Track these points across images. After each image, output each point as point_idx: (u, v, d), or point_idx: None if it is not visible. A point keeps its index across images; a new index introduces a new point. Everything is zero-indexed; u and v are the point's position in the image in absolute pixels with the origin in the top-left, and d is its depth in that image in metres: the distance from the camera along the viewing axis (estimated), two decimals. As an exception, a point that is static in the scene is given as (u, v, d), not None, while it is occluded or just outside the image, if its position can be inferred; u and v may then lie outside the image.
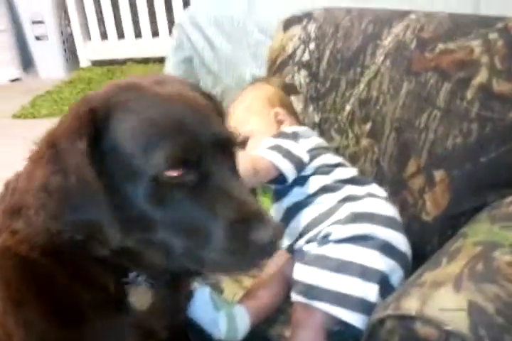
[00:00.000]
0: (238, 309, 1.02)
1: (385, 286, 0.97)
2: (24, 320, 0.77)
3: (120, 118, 0.66)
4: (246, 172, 1.05)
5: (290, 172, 1.11)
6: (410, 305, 0.77)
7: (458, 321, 0.72)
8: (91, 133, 0.65)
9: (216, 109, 0.76)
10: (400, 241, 1.04)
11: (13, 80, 3.80)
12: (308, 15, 1.38)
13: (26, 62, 3.90)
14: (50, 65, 3.79)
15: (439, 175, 1.11)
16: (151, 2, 3.69)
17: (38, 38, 3.84)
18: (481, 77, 1.07)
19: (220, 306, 1.01)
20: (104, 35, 3.89)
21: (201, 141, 0.67)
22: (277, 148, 1.13)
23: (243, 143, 1.24)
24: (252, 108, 1.28)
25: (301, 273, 1.03)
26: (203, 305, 1.00)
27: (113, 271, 0.75)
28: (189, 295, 0.98)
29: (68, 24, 3.92)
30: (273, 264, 1.14)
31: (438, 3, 1.49)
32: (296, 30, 1.38)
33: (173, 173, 0.65)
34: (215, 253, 0.66)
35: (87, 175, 0.64)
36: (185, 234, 0.67)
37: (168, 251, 0.69)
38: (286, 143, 1.14)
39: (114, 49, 3.85)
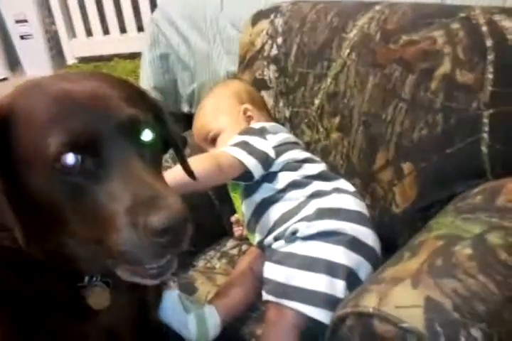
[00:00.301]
0: (208, 309, 1.03)
1: (353, 281, 0.97)
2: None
3: (19, 114, 0.65)
4: (211, 170, 1.06)
5: (256, 168, 1.10)
6: (368, 302, 0.77)
7: (414, 318, 0.72)
8: None
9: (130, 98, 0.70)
10: (368, 235, 1.04)
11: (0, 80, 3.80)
12: (276, 10, 1.37)
13: (12, 61, 3.89)
14: (37, 64, 3.76)
15: (407, 167, 1.10)
16: (135, -3, 3.66)
17: (22, 37, 3.81)
18: (445, 67, 1.06)
19: (189, 308, 1.01)
20: (88, 32, 3.86)
21: (97, 126, 0.64)
22: (242, 145, 1.13)
23: (212, 141, 1.25)
24: (220, 105, 1.28)
25: (271, 271, 1.03)
26: (171, 307, 1.00)
27: (65, 276, 0.74)
28: (158, 298, 0.98)
29: (52, 22, 3.89)
30: (244, 261, 1.15)
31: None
32: (264, 25, 1.37)
33: (69, 161, 0.62)
34: (119, 244, 0.62)
35: None
36: (90, 225, 0.64)
37: (82, 248, 0.69)
38: (252, 140, 1.14)
39: (100, 45, 3.82)
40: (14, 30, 3.79)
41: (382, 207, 1.15)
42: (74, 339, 0.79)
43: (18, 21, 3.76)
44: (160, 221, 0.60)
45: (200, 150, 1.33)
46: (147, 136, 0.68)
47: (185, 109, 1.95)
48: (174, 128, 0.82)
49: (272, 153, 1.13)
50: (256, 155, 1.11)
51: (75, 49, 3.88)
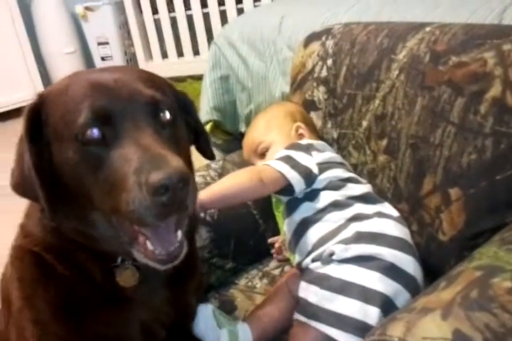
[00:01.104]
0: (241, 326, 1.03)
1: (390, 309, 0.94)
2: (35, 316, 0.85)
3: (54, 99, 0.75)
4: (252, 182, 1.07)
5: (298, 182, 1.10)
6: (395, 331, 0.74)
7: (440, 351, 0.69)
8: (28, 126, 0.75)
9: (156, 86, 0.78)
10: (408, 263, 1.01)
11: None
12: (327, 32, 1.37)
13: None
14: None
15: (454, 193, 1.06)
16: (208, 21, 3.79)
17: (103, 59, 4.06)
18: (495, 90, 1.02)
19: (223, 323, 1.02)
20: (164, 54, 4.03)
21: (118, 104, 0.71)
22: (285, 159, 1.13)
23: (262, 154, 1.26)
24: (273, 120, 1.30)
25: (304, 291, 1.02)
26: (205, 320, 1.01)
27: (100, 258, 0.81)
28: (194, 301, 1.00)
29: (131, 44, 4.10)
30: (282, 281, 1.14)
31: (463, 13, 1.43)
32: (316, 47, 1.38)
33: (92, 133, 0.70)
34: (128, 203, 0.67)
35: (27, 158, 0.74)
36: (108, 192, 0.70)
37: (105, 223, 0.75)
38: (296, 154, 1.15)
39: (175, 67, 3.98)
40: (96, 52, 4.04)
41: (429, 234, 1.10)
42: (112, 325, 0.85)
43: (100, 43, 4.00)
44: (158, 178, 0.64)
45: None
46: (165, 115, 0.75)
47: (243, 129, 1.99)
48: (198, 117, 0.91)
49: (315, 169, 1.13)
50: (299, 169, 1.11)
51: (151, 70, 4.04)
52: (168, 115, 0.76)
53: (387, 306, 0.95)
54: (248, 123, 1.96)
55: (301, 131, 1.26)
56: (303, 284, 1.03)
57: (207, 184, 1.29)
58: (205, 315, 1.01)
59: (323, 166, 1.15)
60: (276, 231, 1.29)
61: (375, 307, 0.94)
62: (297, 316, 1.00)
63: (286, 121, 1.27)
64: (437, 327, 0.72)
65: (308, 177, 1.12)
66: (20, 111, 0.77)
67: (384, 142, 1.20)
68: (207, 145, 0.95)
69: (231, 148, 2.02)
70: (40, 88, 3.80)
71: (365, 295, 0.95)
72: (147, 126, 0.72)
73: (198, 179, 1.30)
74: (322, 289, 0.98)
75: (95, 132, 0.71)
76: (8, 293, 0.92)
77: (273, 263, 1.29)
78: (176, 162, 0.66)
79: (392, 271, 0.98)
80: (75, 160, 0.72)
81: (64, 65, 3.84)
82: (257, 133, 1.28)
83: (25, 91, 3.71)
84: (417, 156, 1.13)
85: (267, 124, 1.29)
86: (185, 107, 0.87)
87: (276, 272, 1.26)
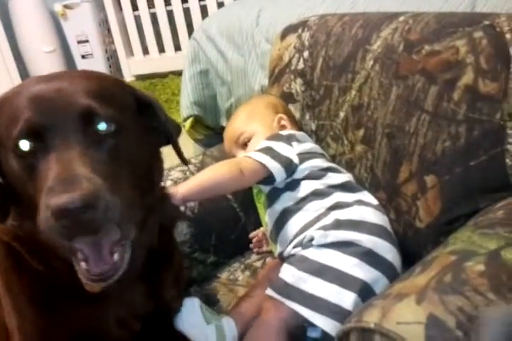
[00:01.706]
0: (226, 321, 1.03)
1: (368, 296, 0.95)
2: (14, 304, 0.87)
3: (2, 108, 0.75)
4: (233, 174, 1.08)
5: (278, 172, 1.11)
6: (371, 317, 0.75)
7: (414, 335, 0.70)
8: None
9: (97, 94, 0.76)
10: (387, 250, 1.02)
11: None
12: (303, 24, 1.37)
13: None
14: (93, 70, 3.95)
15: (430, 180, 1.07)
16: (189, 16, 3.77)
17: (83, 57, 4.02)
18: (467, 77, 1.03)
19: (210, 319, 1.02)
20: (145, 51, 4.01)
21: (50, 117, 0.71)
22: (266, 150, 1.14)
23: (243, 145, 1.26)
24: (255, 111, 1.31)
25: (283, 271, 1.03)
26: (192, 317, 1.01)
27: (64, 259, 0.79)
28: (174, 293, 1.00)
29: (112, 42, 4.07)
30: (263, 273, 1.15)
31: (436, 2, 1.44)
32: (292, 39, 1.38)
33: (23, 146, 0.71)
34: (40, 223, 0.67)
35: None
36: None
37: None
38: (277, 145, 1.16)
39: (156, 63, 3.96)
40: (76, 50, 4.00)
41: (406, 222, 1.12)
42: (86, 319, 0.86)
43: (79, 42, 3.97)
44: (57, 202, 0.63)
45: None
46: (103, 127, 0.72)
47: (224, 123, 1.99)
48: (166, 119, 0.87)
49: (295, 159, 1.14)
50: (279, 159, 1.12)
51: (132, 67, 4.04)
52: (105, 126, 0.73)
53: (365, 292, 0.96)
54: (229, 117, 1.95)
55: (283, 122, 1.27)
56: (284, 266, 1.04)
57: (186, 179, 1.30)
58: (192, 310, 1.01)
59: (304, 156, 1.15)
60: (257, 224, 1.29)
61: (351, 292, 0.95)
62: (271, 293, 1.01)
63: (268, 112, 1.28)
64: (412, 312, 0.73)
65: (289, 167, 1.12)
66: None
67: (361, 132, 1.21)
68: (176, 152, 0.92)
69: (212, 143, 2.01)
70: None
71: (341, 279, 0.96)
72: (76, 141, 0.71)
73: (177, 174, 1.30)
74: (299, 270, 1.00)
75: (25, 145, 0.71)
76: None
77: (255, 256, 1.30)
78: (85, 185, 0.65)
79: (370, 257, 0.99)
80: (14, 168, 0.74)
81: (44, 63, 3.80)
82: (238, 124, 1.29)
83: (3, 89, 3.68)
84: (393, 145, 1.14)
85: (249, 115, 1.29)
86: (150, 111, 0.85)
87: (258, 264, 1.26)
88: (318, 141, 1.31)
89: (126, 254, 0.77)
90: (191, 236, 1.23)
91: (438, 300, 0.74)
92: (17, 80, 3.72)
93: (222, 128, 2.01)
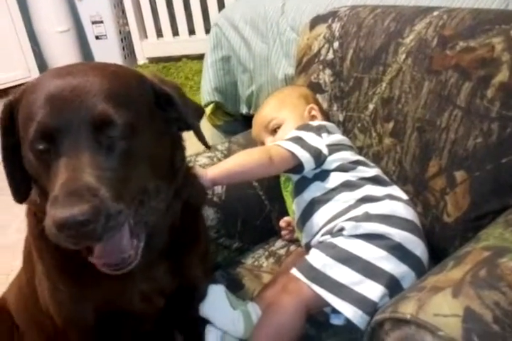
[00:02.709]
0: (252, 306, 1.05)
1: (396, 289, 0.97)
2: (46, 271, 0.92)
3: (22, 105, 0.77)
4: (262, 161, 1.10)
5: (307, 160, 1.13)
6: (407, 308, 0.77)
7: (451, 327, 0.72)
8: (4, 122, 0.79)
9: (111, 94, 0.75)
10: (416, 245, 1.04)
11: (75, 78, 3.99)
12: (334, 14, 1.38)
13: (87, 60, 4.08)
14: (109, 61, 3.93)
15: (460, 176, 1.08)
16: (204, 1, 3.75)
17: (97, 37, 4.00)
18: (502, 75, 1.03)
19: (236, 304, 1.04)
20: (159, 33, 3.99)
21: (64, 120, 0.71)
22: (295, 139, 1.15)
23: (272, 131, 1.27)
24: (288, 99, 1.32)
25: (311, 255, 1.05)
26: (218, 303, 1.03)
27: None
28: (200, 273, 1.02)
29: (126, 23, 4.05)
30: (289, 261, 1.17)
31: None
32: (322, 29, 1.38)
33: (38, 146, 0.72)
34: (46, 227, 0.69)
35: (2, 147, 0.80)
36: None
37: None
38: (306, 135, 1.17)
39: (170, 46, 3.94)
40: (90, 31, 3.98)
41: (433, 216, 1.13)
42: (112, 292, 0.90)
43: (94, 22, 3.94)
44: (58, 216, 0.65)
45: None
46: (115, 133, 0.72)
47: (244, 110, 2.00)
48: (187, 107, 0.86)
49: (325, 150, 1.15)
50: (308, 149, 1.13)
51: (145, 49, 4.02)
52: (117, 132, 0.73)
53: (392, 285, 0.98)
54: (249, 104, 1.97)
55: (313, 112, 1.27)
56: (312, 250, 1.06)
57: (213, 165, 1.31)
58: (217, 296, 1.03)
59: (333, 148, 1.17)
60: (282, 212, 1.31)
61: (377, 283, 0.97)
62: (297, 274, 1.02)
63: (300, 102, 1.29)
64: (448, 305, 0.75)
65: (318, 157, 1.14)
66: (16, 89, 0.79)
67: (390, 125, 1.22)
68: (199, 137, 0.91)
69: (231, 130, 2.03)
70: (33, 67, 3.76)
71: (368, 270, 0.98)
72: (87, 146, 0.71)
73: (204, 160, 1.31)
74: (327, 256, 1.01)
75: (41, 147, 0.73)
76: (31, 248, 0.99)
77: (279, 243, 1.32)
78: (87, 199, 0.66)
79: (399, 251, 1.01)
80: (31, 161, 0.76)
81: (57, 43, 3.78)
82: (270, 110, 1.30)
83: (19, 70, 3.67)
84: (423, 139, 1.15)
85: (281, 102, 1.30)
86: (171, 102, 0.84)
87: (282, 252, 1.28)
88: (346, 132, 1.32)
89: (140, 244, 0.79)
90: (218, 222, 1.25)
91: (474, 294, 0.76)
92: (31, 60, 3.71)
93: (242, 116, 2.04)
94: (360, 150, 1.28)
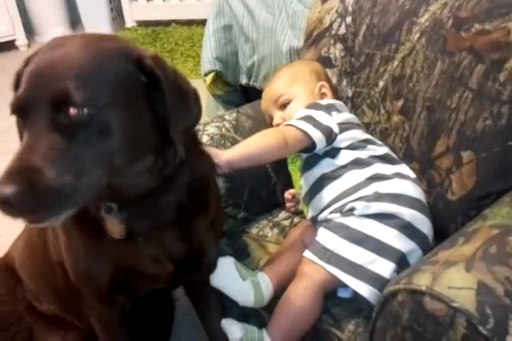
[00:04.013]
0: (261, 276, 1.09)
1: (403, 265, 1.02)
2: (64, 228, 0.96)
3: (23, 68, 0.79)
4: (278, 143, 1.11)
5: (320, 140, 1.14)
6: (421, 280, 0.81)
7: (465, 299, 0.76)
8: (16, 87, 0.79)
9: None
10: (424, 223, 1.08)
11: (60, 39, 3.88)
12: (348, -11, 1.37)
13: (74, 20, 3.97)
14: (97, 24, 3.83)
15: (467, 156, 1.12)
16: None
17: (84, -2, 3.89)
18: (516, 59, 1.06)
19: (245, 275, 1.07)
20: (149, -4, 3.90)
21: (32, 96, 0.72)
22: (307, 118, 1.17)
23: (282, 106, 1.29)
24: (299, 74, 1.32)
25: (322, 236, 1.08)
26: (228, 274, 1.06)
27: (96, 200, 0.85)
28: (210, 238, 1.04)
29: (115, -15, 3.95)
30: (296, 232, 1.20)
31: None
32: (334, 3, 1.38)
33: (16, 119, 0.76)
34: None
35: None
36: None
37: None
38: (317, 114, 1.18)
39: (159, 10, 3.87)
40: (77, -9, 3.86)
41: (437, 193, 1.17)
42: (124, 254, 0.94)
43: (81, -19, 3.82)
44: None
45: (262, 121, 1.38)
46: (74, 112, 0.71)
47: (244, 81, 1.99)
48: (176, 107, 0.80)
49: (335, 129, 1.17)
50: (320, 128, 1.15)
51: (134, 12, 3.94)
52: (76, 112, 0.71)
53: (401, 262, 1.02)
54: (249, 75, 1.96)
55: (324, 90, 1.29)
56: (322, 230, 1.09)
57: (222, 135, 1.33)
58: (227, 268, 1.06)
59: (343, 126, 1.19)
60: (286, 185, 1.34)
61: (390, 261, 1.01)
62: (310, 256, 1.06)
63: (312, 78, 1.29)
64: (462, 278, 0.79)
65: (329, 136, 1.16)
66: (0, 46, 0.82)
67: (400, 103, 1.24)
68: (174, 136, 0.81)
69: (230, 100, 2.03)
70: (18, 24, 3.65)
71: (381, 249, 1.02)
72: (44, 125, 0.71)
73: (213, 129, 1.32)
74: (340, 237, 1.05)
75: (17, 119, 0.76)
76: None
77: (282, 214, 1.35)
78: (19, 180, 0.67)
79: (409, 229, 1.05)
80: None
81: (44, 3, 3.68)
82: (280, 85, 1.30)
83: (3, 26, 3.57)
84: (432, 118, 1.18)
85: (292, 78, 1.31)
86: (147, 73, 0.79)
87: (286, 223, 1.31)
88: (354, 108, 1.34)
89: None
90: (226, 192, 1.27)
91: (486, 269, 0.80)
92: (16, 17, 3.60)
93: (241, 86, 2.04)
94: (367, 127, 1.30)
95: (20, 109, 0.73)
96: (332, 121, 1.18)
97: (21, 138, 0.78)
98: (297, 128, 1.14)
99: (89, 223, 0.92)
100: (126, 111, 0.76)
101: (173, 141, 0.81)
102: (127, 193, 0.85)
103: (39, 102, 0.71)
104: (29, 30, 3.86)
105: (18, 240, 1.28)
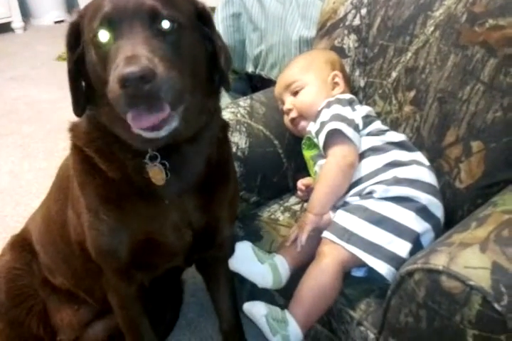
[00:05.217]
0: (278, 259, 1.12)
1: (417, 246, 1.07)
2: (88, 204, 1.00)
3: (87, 11, 0.89)
4: (344, 170, 1.16)
5: (357, 140, 1.19)
6: (438, 260, 0.86)
7: (481, 278, 0.81)
8: (70, 38, 0.92)
9: None
10: (438, 207, 1.13)
11: (57, 22, 3.87)
12: (363, -19, 1.41)
13: (70, 4, 3.95)
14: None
15: (476, 146, 1.17)
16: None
17: (82, -19, 3.87)
18: (528, 55, 1.11)
19: (263, 258, 1.11)
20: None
21: (122, 12, 0.83)
22: (344, 120, 1.20)
23: (295, 92, 1.32)
24: (314, 62, 1.36)
25: (341, 217, 1.12)
26: (246, 258, 1.10)
27: (133, 153, 0.93)
28: (226, 214, 1.09)
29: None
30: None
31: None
32: (349, -5, 1.42)
33: (101, 36, 0.83)
34: (109, 94, 0.80)
35: (68, 61, 0.92)
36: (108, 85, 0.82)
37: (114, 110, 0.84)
38: (346, 112, 1.22)
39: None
40: (75, -26, 3.84)
41: (445, 182, 1.21)
42: (148, 220, 0.99)
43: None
44: (121, 73, 0.75)
45: (275, 108, 1.41)
46: (164, 25, 0.83)
47: (250, 69, 2.02)
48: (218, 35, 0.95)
49: (361, 123, 1.22)
50: (353, 126, 1.19)
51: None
52: (167, 24, 0.83)
53: (416, 242, 1.07)
54: (256, 64, 1.99)
55: (337, 79, 1.32)
56: (340, 212, 1.13)
57: (237, 121, 1.36)
58: (245, 251, 1.10)
59: (367, 120, 1.24)
60: (297, 170, 1.38)
61: (407, 241, 1.06)
62: (330, 236, 1.10)
63: (326, 67, 1.33)
64: (477, 259, 0.84)
65: (358, 130, 1.21)
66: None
67: (411, 93, 1.28)
68: (224, 62, 0.95)
69: (236, 87, 2.06)
70: (14, 6, 3.62)
71: (399, 230, 1.06)
72: (141, 31, 0.81)
73: (228, 115, 1.35)
74: (359, 218, 1.09)
75: (102, 35, 0.83)
76: (68, 181, 1.09)
77: (293, 199, 1.39)
78: (144, 61, 0.76)
79: (424, 212, 1.10)
80: (93, 59, 0.86)
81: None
82: (294, 71, 1.34)
83: (0, 8, 3.54)
84: (443, 109, 1.22)
85: (307, 65, 1.34)
86: (204, 19, 0.93)
87: (297, 207, 1.35)
88: (366, 97, 1.38)
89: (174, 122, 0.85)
90: (240, 176, 1.30)
91: (500, 251, 0.85)
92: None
93: (248, 75, 2.06)
94: (378, 116, 1.34)
95: (111, 23, 0.82)
96: (358, 115, 1.23)
97: (97, 63, 0.85)
98: (349, 144, 1.17)
99: (114, 195, 0.97)
100: (194, 36, 0.89)
101: (213, 89, 0.96)
102: (180, 133, 0.89)
103: (131, 15, 0.82)
104: (25, 13, 3.83)
105: (35, 216, 1.30)
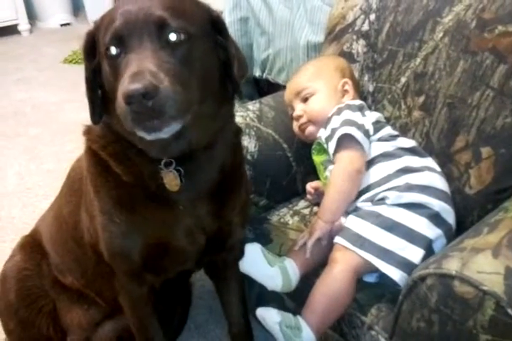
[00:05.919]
0: (288, 262, 1.13)
1: (429, 252, 1.07)
2: (102, 207, 1.01)
3: (102, 24, 0.90)
4: (352, 176, 1.16)
5: (367, 146, 1.20)
6: (451, 265, 0.86)
7: (494, 283, 0.81)
8: (85, 48, 0.93)
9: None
10: (449, 214, 1.14)
11: (63, 25, 3.88)
12: (372, -13, 1.42)
13: (76, 7, 3.97)
14: (99, 10, 3.82)
15: (485, 151, 1.17)
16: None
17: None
18: (539, 61, 1.11)
19: (273, 261, 1.11)
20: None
21: (131, 27, 0.84)
22: (355, 124, 1.20)
23: (304, 99, 1.33)
24: (324, 70, 1.37)
25: (353, 223, 1.13)
26: (256, 261, 1.11)
27: (148, 158, 0.93)
28: (238, 220, 1.09)
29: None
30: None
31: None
32: (358, 0, 1.43)
33: (111, 50, 0.85)
34: (117, 109, 0.81)
35: (85, 70, 0.94)
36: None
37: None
38: (356, 117, 1.23)
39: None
40: (81, -23, 3.86)
41: (455, 187, 1.22)
42: (161, 224, 1.00)
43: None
44: (124, 90, 0.77)
45: (284, 112, 1.42)
46: (173, 36, 0.83)
47: (257, 73, 2.03)
48: (233, 43, 0.96)
49: (371, 130, 1.22)
50: (363, 131, 1.20)
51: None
52: (174, 37, 0.84)
53: (429, 249, 1.08)
54: (263, 68, 2.00)
55: (347, 87, 1.33)
56: (352, 217, 1.14)
57: (246, 124, 1.37)
58: (255, 254, 1.11)
59: (377, 126, 1.24)
60: (306, 174, 1.38)
61: (419, 248, 1.06)
62: (342, 242, 1.10)
63: (336, 74, 1.34)
64: (490, 264, 0.84)
65: (368, 136, 1.21)
66: (3, 30, 0.89)
67: (421, 99, 1.29)
68: (238, 71, 0.93)
69: (243, 92, 2.06)
70: (21, 9, 3.64)
71: (411, 236, 1.07)
72: (150, 44, 0.82)
73: (238, 119, 1.35)
74: (372, 224, 1.10)
75: (112, 49, 0.85)
76: (81, 183, 1.10)
77: (302, 203, 1.39)
78: (147, 77, 0.76)
79: (437, 219, 1.10)
80: (107, 71, 0.88)
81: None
82: (305, 78, 1.35)
83: (6, 10, 3.55)
84: (452, 115, 1.23)
85: (317, 72, 1.35)
86: (218, 27, 0.93)
87: (306, 211, 1.36)
88: (374, 102, 1.38)
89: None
90: (249, 179, 1.30)
91: (512, 256, 0.86)
92: (19, 1, 3.58)
93: (255, 79, 2.07)
94: (387, 121, 1.35)
95: (120, 38, 0.84)
96: (368, 121, 1.23)
97: (110, 74, 0.87)
98: (357, 149, 1.18)
99: (128, 198, 0.98)
100: (205, 45, 0.89)
101: (227, 96, 0.95)
102: (194, 141, 0.91)
103: (140, 28, 0.83)
104: (32, 15, 3.84)
105: (45, 217, 1.31)
